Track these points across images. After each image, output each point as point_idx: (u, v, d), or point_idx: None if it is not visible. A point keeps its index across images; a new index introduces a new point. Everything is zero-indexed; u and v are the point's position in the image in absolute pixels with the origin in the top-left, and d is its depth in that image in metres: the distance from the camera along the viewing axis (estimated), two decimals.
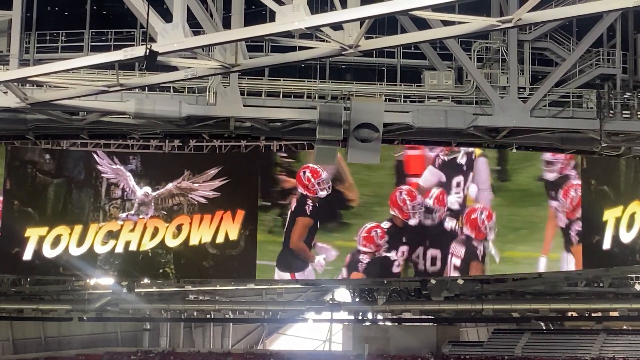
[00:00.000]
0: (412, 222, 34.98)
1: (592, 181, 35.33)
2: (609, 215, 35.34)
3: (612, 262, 37.00)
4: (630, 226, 35.54)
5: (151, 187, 34.35)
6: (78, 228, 34.03)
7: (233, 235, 34.37)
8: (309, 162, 34.73)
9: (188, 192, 34.30)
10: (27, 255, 33.89)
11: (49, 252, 33.93)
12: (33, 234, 33.76)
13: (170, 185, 34.31)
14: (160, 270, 35.15)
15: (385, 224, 34.95)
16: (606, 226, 35.30)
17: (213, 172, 34.31)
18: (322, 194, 34.69)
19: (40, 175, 34.01)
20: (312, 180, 34.70)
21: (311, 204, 34.75)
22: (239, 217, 34.39)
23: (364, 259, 35.04)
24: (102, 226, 34.23)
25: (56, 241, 33.89)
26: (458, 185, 35.11)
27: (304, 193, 34.72)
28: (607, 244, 35.45)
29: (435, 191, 35.00)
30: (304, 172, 34.79)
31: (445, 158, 35.03)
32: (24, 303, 47.08)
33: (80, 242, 34.03)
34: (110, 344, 59.78)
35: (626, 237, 35.56)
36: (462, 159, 35.12)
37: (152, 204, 34.34)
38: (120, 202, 34.29)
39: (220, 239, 34.36)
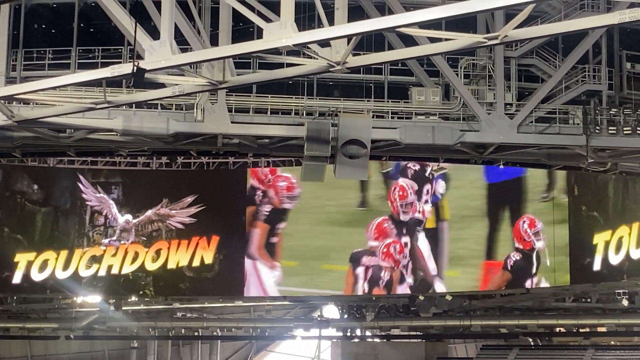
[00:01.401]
0: None
1: (582, 207, 36.91)
2: (599, 239, 36.92)
3: (601, 281, 38.53)
4: (618, 249, 37.01)
5: (132, 215, 36.09)
6: (64, 253, 35.81)
7: (208, 260, 36.01)
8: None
9: (166, 218, 35.91)
10: (17, 279, 35.67)
11: (36, 276, 35.64)
12: (22, 258, 35.58)
13: (149, 212, 35.97)
14: (140, 292, 37.37)
15: None
16: (596, 249, 36.79)
17: (189, 199, 35.76)
18: (287, 205, 35.93)
19: (29, 205, 36.00)
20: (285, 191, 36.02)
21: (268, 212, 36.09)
22: (214, 242, 36.00)
23: (386, 275, 36.09)
24: (86, 251, 36.00)
25: (43, 265, 35.61)
26: None
27: (273, 199, 35.90)
28: (597, 266, 36.98)
29: None
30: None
31: None
32: (10, 321, 46.54)
33: (65, 266, 35.72)
34: None
35: (614, 259, 37.09)
36: None
37: (133, 230, 36.06)
38: (103, 229, 36.16)
39: (196, 262, 36.01)
